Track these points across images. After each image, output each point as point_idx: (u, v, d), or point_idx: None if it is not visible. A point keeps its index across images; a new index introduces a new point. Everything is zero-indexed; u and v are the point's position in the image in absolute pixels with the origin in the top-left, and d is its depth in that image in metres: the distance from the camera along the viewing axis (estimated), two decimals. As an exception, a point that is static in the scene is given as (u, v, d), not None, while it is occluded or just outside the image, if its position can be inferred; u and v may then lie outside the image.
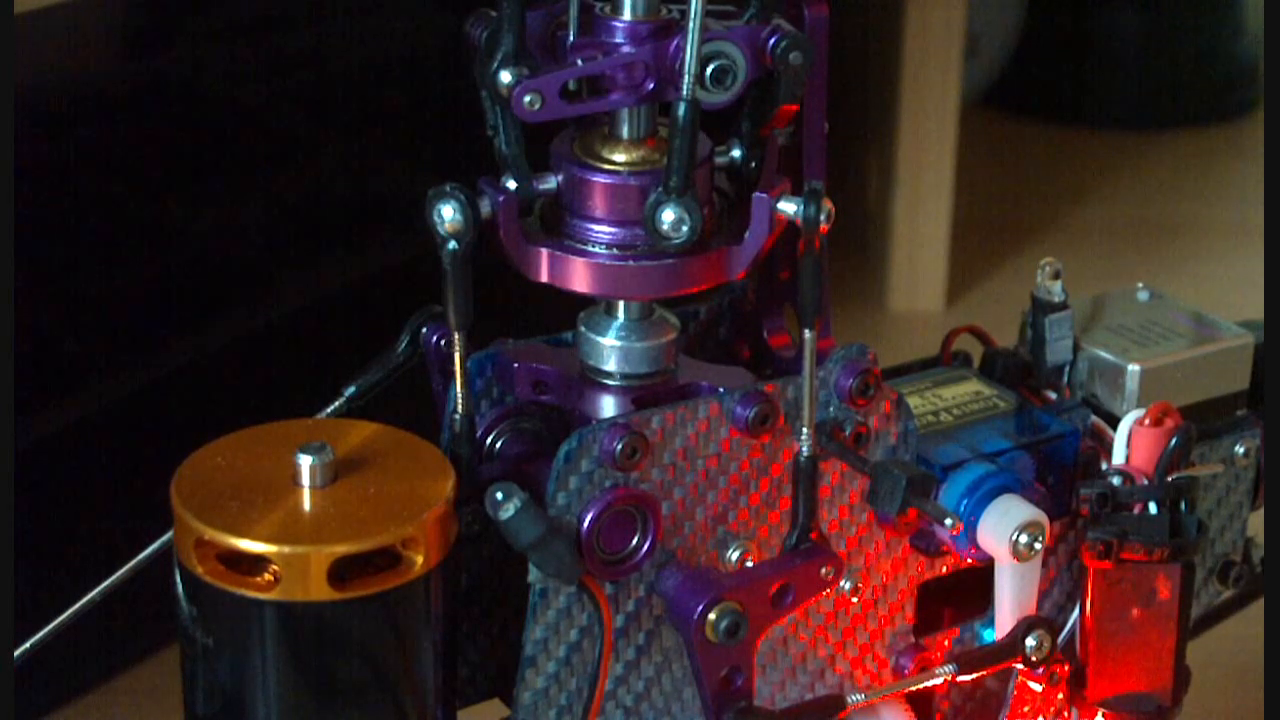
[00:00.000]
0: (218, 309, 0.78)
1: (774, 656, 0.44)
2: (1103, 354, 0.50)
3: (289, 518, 0.38)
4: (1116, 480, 0.46)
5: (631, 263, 0.41)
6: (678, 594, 0.41)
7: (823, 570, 0.42)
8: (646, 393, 0.43)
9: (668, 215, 0.40)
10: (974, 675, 0.46)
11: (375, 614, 0.38)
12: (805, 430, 0.41)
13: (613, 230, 0.41)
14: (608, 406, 0.43)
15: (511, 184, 0.41)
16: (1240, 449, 0.50)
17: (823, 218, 0.40)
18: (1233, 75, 1.25)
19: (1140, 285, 0.53)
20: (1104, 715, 0.48)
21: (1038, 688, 0.47)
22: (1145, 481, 0.46)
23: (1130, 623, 0.47)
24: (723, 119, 0.42)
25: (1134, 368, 0.49)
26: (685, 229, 0.40)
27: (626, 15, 0.40)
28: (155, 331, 0.75)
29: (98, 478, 0.72)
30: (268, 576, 0.38)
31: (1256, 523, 0.51)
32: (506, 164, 0.41)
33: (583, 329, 0.43)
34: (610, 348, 0.42)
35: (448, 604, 0.40)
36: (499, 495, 0.39)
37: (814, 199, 0.41)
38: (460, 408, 0.41)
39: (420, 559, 0.39)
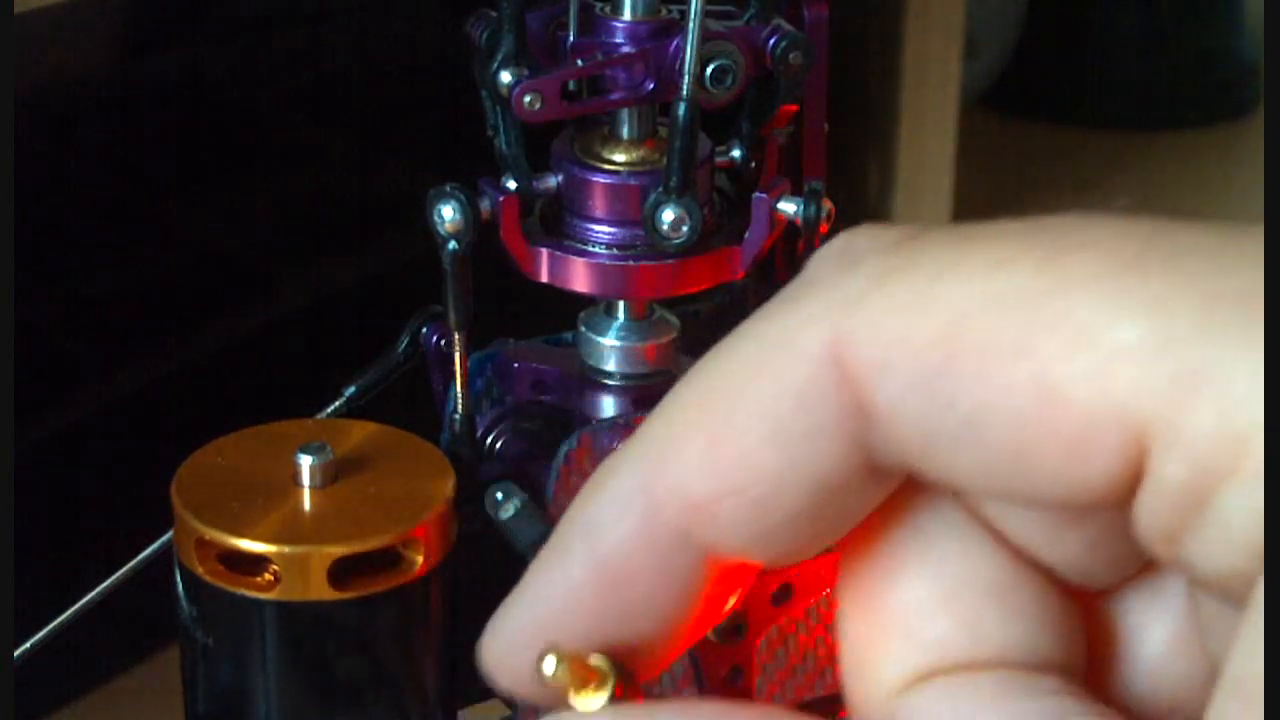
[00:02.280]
0: (218, 309, 0.78)
1: (773, 655, 0.44)
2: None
3: (289, 518, 0.38)
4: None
5: (631, 263, 0.41)
6: (678, 594, 0.41)
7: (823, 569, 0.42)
8: (646, 393, 0.43)
9: (668, 215, 0.40)
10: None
11: (375, 614, 0.38)
12: (805, 430, 0.41)
13: (613, 230, 0.41)
14: (608, 406, 0.43)
15: (512, 184, 0.41)
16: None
17: (823, 217, 0.40)
18: (1233, 75, 1.25)
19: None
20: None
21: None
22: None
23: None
24: (723, 119, 0.42)
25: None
26: (685, 229, 0.40)
27: (627, 15, 0.40)
28: (155, 331, 0.76)
29: (98, 478, 0.72)
30: (268, 576, 0.38)
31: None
32: (507, 164, 0.41)
33: (583, 329, 0.43)
34: (610, 348, 0.42)
35: (448, 604, 0.40)
36: (499, 495, 0.39)
37: (814, 199, 0.41)
38: (460, 408, 0.41)
39: (420, 559, 0.39)
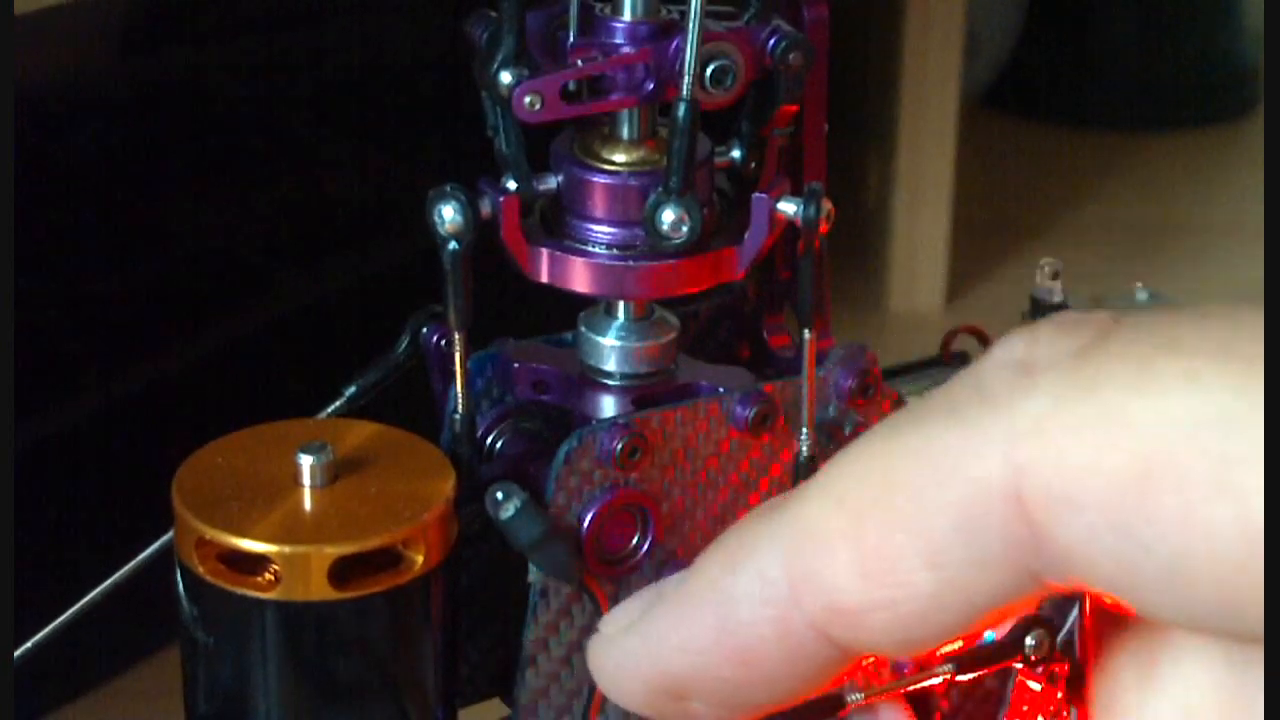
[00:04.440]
0: (218, 309, 0.78)
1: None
2: (1102, 354, 0.50)
3: (289, 517, 0.38)
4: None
5: (631, 263, 0.41)
6: (678, 594, 0.41)
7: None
8: (646, 393, 0.43)
9: (668, 215, 0.40)
10: (973, 675, 0.46)
11: (376, 613, 0.38)
12: (805, 430, 0.41)
13: (613, 230, 0.41)
14: (608, 406, 0.43)
15: (512, 184, 0.41)
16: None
17: (822, 217, 0.41)
18: (1233, 75, 1.25)
19: (1139, 285, 0.53)
20: (1103, 715, 0.48)
21: (1037, 687, 0.47)
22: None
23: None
24: (723, 119, 0.42)
25: (1133, 368, 0.49)
26: (685, 229, 0.40)
27: (626, 15, 0.40)
28: (155, 331, 0.76)
29: (98, 478, 0.72)
30: (268, 576, 0.38)
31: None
32: (507, 164, 0.41)
33: (583, 329, 0.43)
34: (610, 348, 0.42)
35: (448, 604, 0.40)
36: (499, 495, 0.39)
37: (814, 199, 0.41)
38: (460, 407, 0.41)
39: (420, 559, 0.39)
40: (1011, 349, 0.26)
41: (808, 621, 0.26)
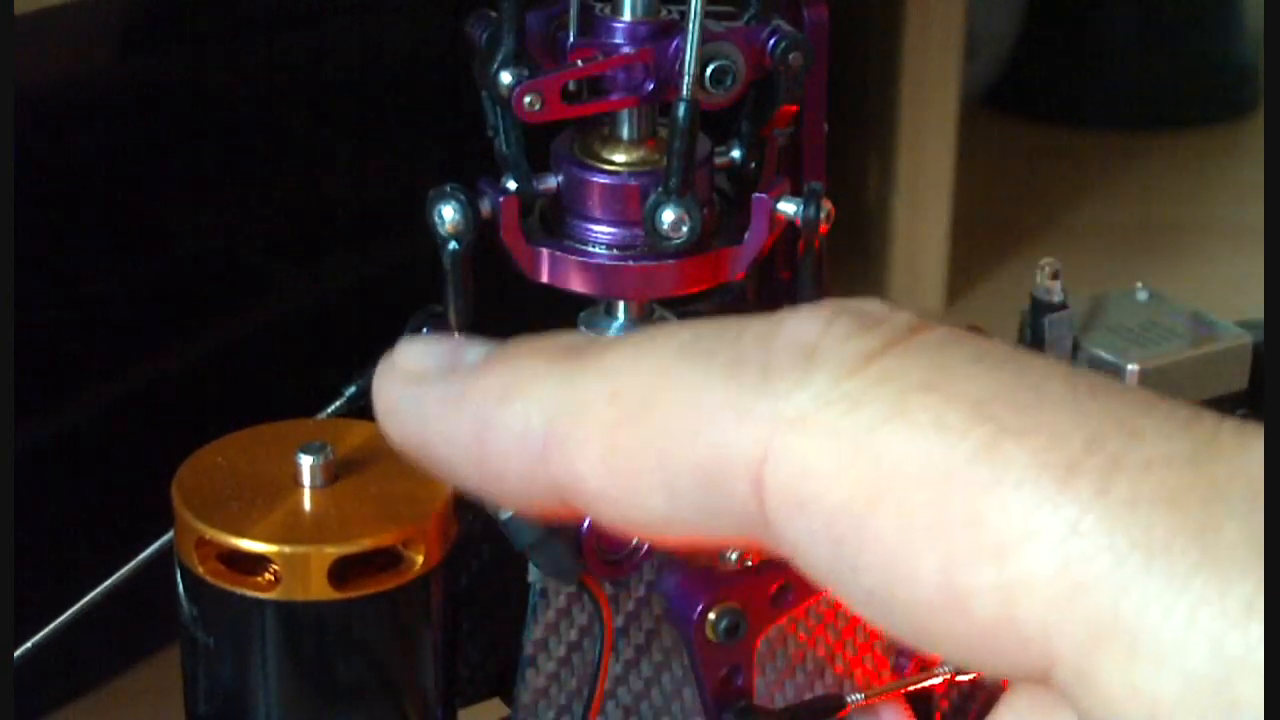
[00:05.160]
0: (218, 309, 0.78)
1: (773, 655, 0.44)
2: (1102, 354, 0.50)
3: (289, 518, 0.38)
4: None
5: (631, 263, 0.41)
6: (678, 593, 0.41)
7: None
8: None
9: (668, 216, 0.40)
10: (973, 675, 0.46)
11: (376, 614, 0.38)
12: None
13: (613, 230, 0.41)
14: (608, 406, 0.43)
15: (512, 184, 0.41)
16: (1240, 449, 0.50)
17: (822, 218, 0.41)
18: (1233, 75, 1.25)
19: (1140, 285, 0.53)
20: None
21: (1037, 687, 0.47)
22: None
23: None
24: (723, 119, 0.42)
25: (1133, 368, 0.49)
26: (685, 229, 0.40)
27: (626, 16, 0.40)
28: (155, 331, 0.76)
29: (98, 477, 0.72)
30: (268, 576, 0.38)
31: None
32: (507, 164, 0.41)
33: (583, 329, 0.43)
34: (610, 348, 0.42)
35: (448, 604, 0.40)
36: (499, 495, 0.39)
37: (813, 199, 0.41)
38: (460, 408, 0.41)
39: (420, 559, 0.39)
40: (807, 329, 0.26)
41: (550, 477, 0.27)
